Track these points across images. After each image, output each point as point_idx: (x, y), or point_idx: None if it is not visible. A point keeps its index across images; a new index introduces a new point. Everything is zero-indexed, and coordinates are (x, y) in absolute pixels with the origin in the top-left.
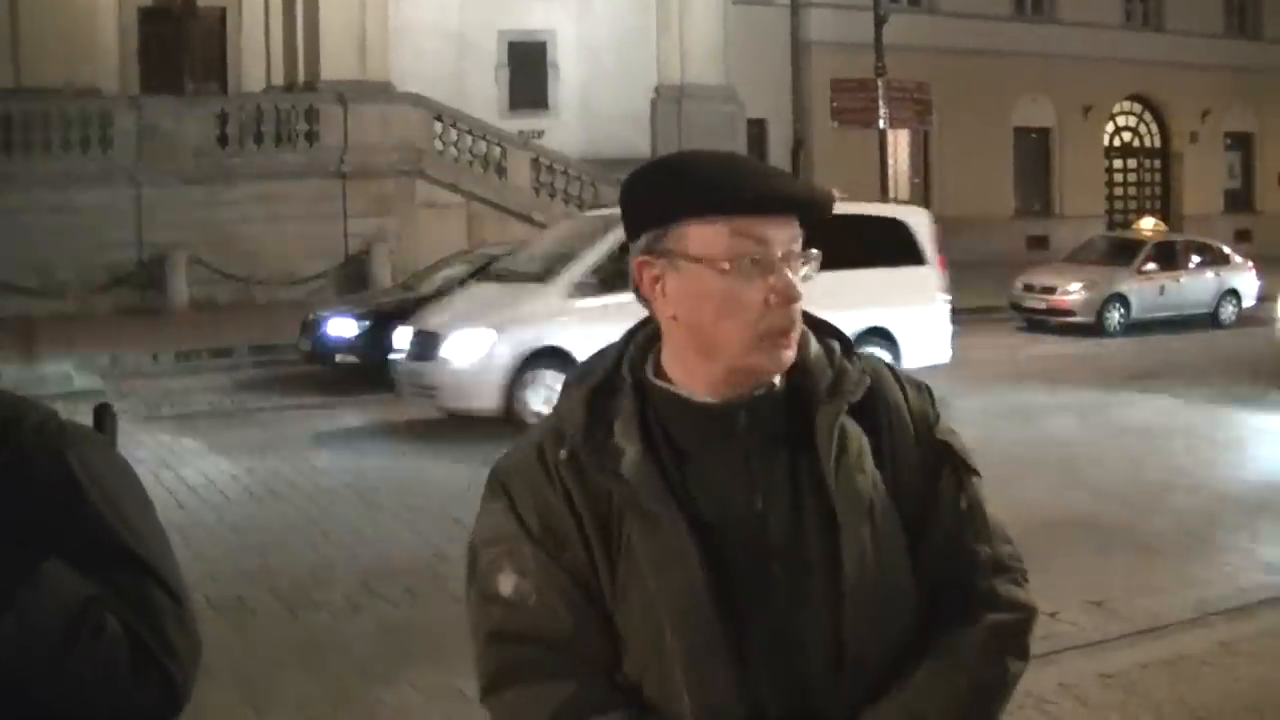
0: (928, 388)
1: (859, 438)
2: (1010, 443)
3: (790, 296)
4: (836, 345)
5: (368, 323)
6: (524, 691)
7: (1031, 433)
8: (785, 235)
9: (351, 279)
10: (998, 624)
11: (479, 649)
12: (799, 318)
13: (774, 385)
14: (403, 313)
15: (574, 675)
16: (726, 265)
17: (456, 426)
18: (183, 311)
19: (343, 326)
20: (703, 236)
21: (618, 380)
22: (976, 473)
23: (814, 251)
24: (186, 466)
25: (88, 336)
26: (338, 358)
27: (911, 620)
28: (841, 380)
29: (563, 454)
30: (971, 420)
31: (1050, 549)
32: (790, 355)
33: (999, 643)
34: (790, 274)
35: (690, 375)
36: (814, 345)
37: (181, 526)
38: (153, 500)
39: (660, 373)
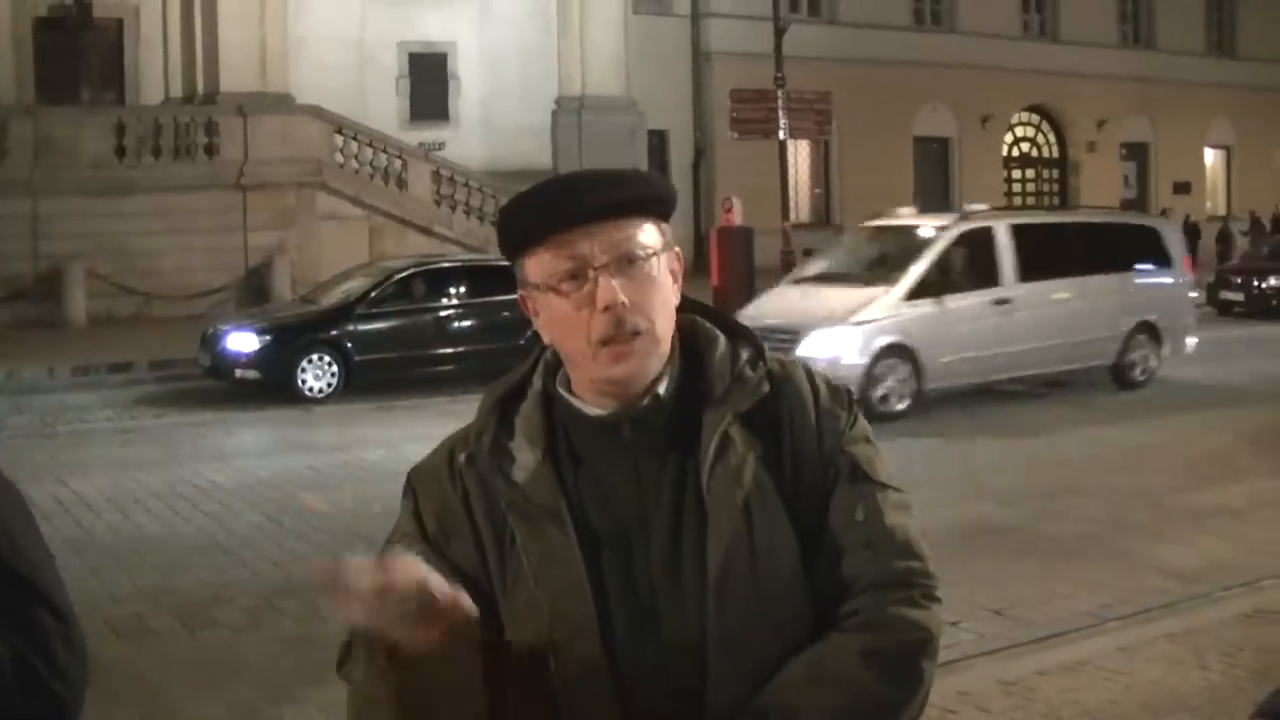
0: (847, 392)
1: (746, 444)
2: (910, 451)
3: (604, 303)
4: (745, 350)
5: (268, 337)
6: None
7: (931, 439)
8: (604, 243)
9: (252, 292)
10: (877, 644)
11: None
12: (630, 321)
13: (658, 395)
14: (303, 326)
15: None
16: (554, 286)
17: (361, 442)
18: (80, 326)
19: (243, 341)
20: (534, 265)
21: (528, 388)
22: (883, 485)
23: (644, 247)
24: (84, 483)
25: None
26: (238, 372)
27: (797, 632)
28: (734, 387)
29: (461, 458)
30: (875, 432)
31: (952, 556)
32: (633, 364)
33: (879, 665)
34: (609, 281)
35: (579, 387)
36: (720, 349)
37: (79, 544)
38: (39, 519)
39: (568, 382)
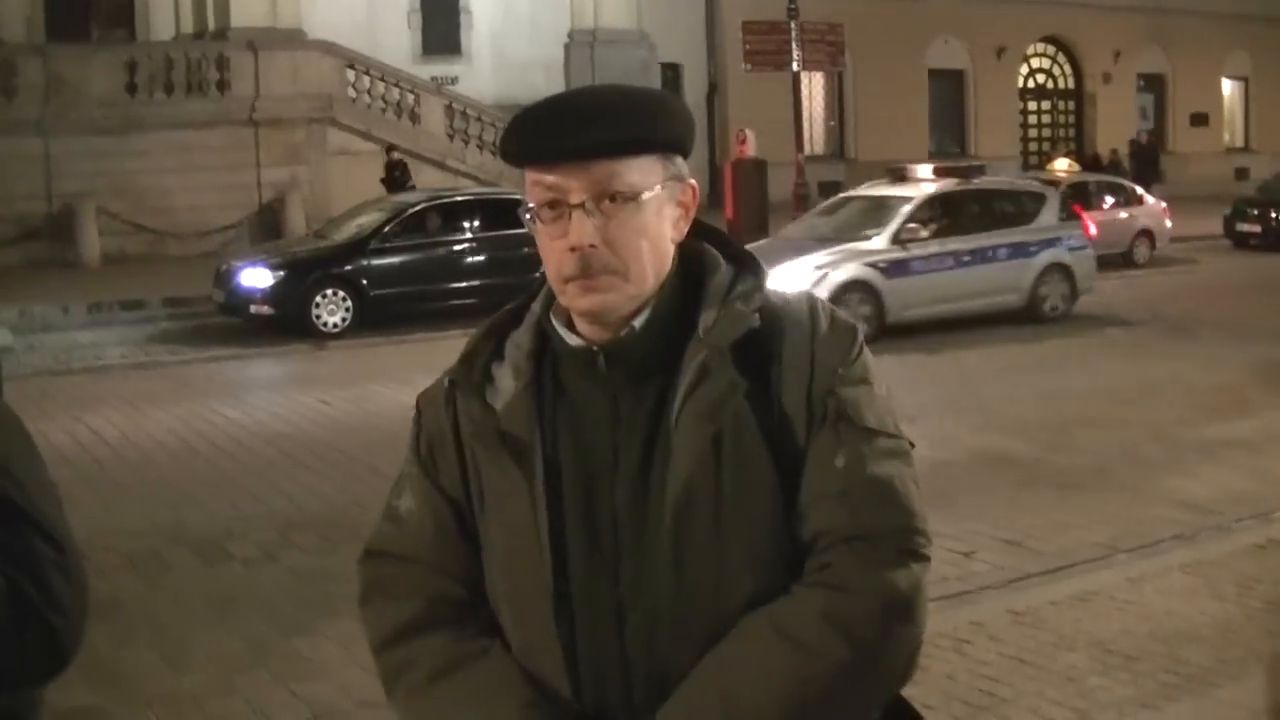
0: (851, 330)
1: (727, 378)
2: (926, 382)
3: (571, 244)
4: (745, 281)
5: (282, 273)
6: (380, 605)
7: (947, 372)
8: (584, 180)
9: (265, 229)
10: (841, 606)
11: (359, 561)
12: (599, 262)
13: (634, 328)
14: (317, 262)
15: (424, 594)
16: (536, 213)
17: (375, 376)
18: (94, 264)
19: (256, 277)
20: (527, 185)
21: (528, 314)
22: (873, 430)
23: (631, 186)
24: (99, 420)
25: None
26: (252, 308)
27: (766, 583)
28: (721, 319)
29: (446, 382)
30: (886, 361)
31: (965, 488)
32: (598, 299)
33: (840, 629)
34: (582, 220)
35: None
36: (718, 279)
37: (94, 481)
38: (55, 456)
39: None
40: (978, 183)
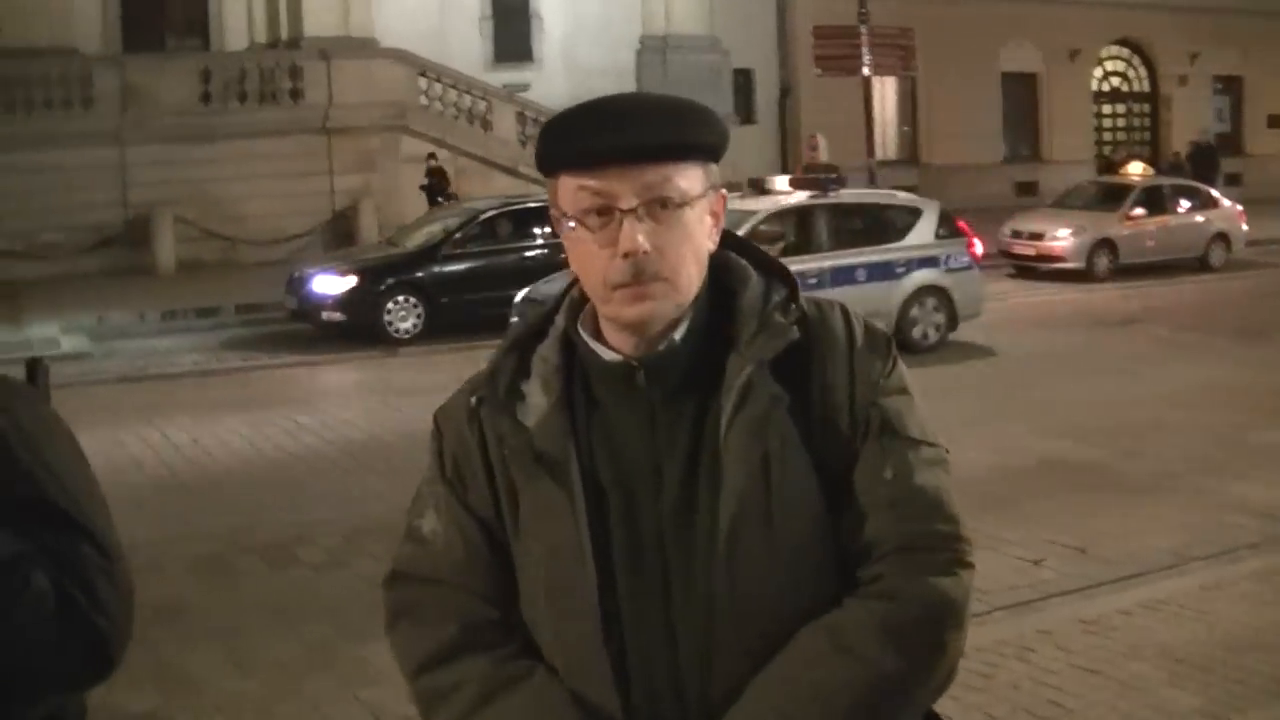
0: (886, 340)
1: (771, 393)
2: (995, 388)
3: (625, 250)
4: (779, 292)
5: (353, 279)
6: (411, 629)
7: (1016, 378)
8: (636, 184)
9: (337, 236)
10: (898, 616)
11: (384, 584)
12: (651, 269)
13: (673, 340)
14: (388, 268)
15: (457, 617)
16: (580, 219)
17: (446, 382)
18: (169, 271)
19: (328, 283)
20: (563, 192)
21: (551, 327)
22: (915, 440)
23: (681, 193)
24: (172, 425)
25: (74, 298)
26: (324, 315)
27: (816, 593)
28: (761, 332)
29: (473, 400)
30: (956, 366)
31: (1033, 494)
32: (649, 306)
33: (899, 640)
34: (633, 226)
35: (602, 323)
36: (751, 290)
37: (166, 485)
38: (128, 462)
39: (594, 321)
40: (835, 196)
